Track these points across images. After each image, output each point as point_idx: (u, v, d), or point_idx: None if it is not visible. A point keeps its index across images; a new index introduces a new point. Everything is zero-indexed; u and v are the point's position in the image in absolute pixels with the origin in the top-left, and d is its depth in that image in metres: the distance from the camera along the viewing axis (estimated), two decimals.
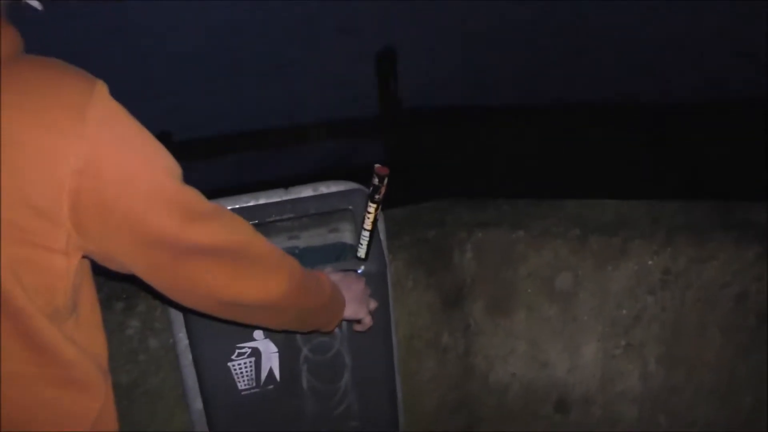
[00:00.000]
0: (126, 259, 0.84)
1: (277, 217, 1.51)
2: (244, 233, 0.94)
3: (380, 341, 1.56)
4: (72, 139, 0.73)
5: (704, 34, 10.45)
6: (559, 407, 1.97)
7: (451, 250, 1.90)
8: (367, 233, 1.38)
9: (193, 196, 0.86)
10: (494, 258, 1.89)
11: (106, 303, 1.68)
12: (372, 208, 1.35)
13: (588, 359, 1.90)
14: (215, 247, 0.87)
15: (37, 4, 0.93)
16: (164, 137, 5.59)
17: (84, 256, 0.83)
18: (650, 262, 1.77)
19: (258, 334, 1.35)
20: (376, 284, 1.44)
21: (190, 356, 1.41)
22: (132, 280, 0.91)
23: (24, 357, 0.80)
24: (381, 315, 1.55)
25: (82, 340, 0.86)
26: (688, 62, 9.39)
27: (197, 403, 1.47)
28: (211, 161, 6.12)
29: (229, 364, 1.35)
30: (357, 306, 1.24)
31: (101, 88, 0.78)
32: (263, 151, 6.69)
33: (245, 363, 1.35)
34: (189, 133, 6.74)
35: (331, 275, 1.23)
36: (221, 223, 0.89)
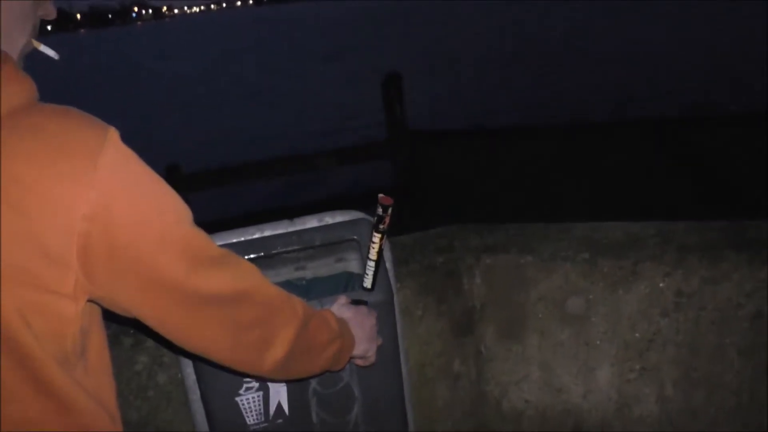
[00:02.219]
0: (132, 304, 0.85)
1: (283, 249, 1.50)
2: (252, 280, 0.94)
3: (389, 372, 1.53)
4: (83, 187, 0.75)
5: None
6: None
7: (461, 276, 1.88)
8: (372, 263, 1.37)
9: (202, 240, 0.87)
10: (504, 283, 1.88)
11: (114, 339, 1.68)
12: (377, 238, 1.34)
13: (603, 383, 1.86)
14: (222, 295, 0.88)
15: (53, 54, 0.96)
16: (172, 170, 5.63)
17: (90, 300, 0.82)
18: (662, 284, 1.74)
19: None
20: (384, 314, 1.42)
21: (198, 391, 1.39)
22: (137, 322, 0.91)
23: (36, 403, 0.80)
24: (389, 345, 1.53)
25: (91, 385, 0.86)
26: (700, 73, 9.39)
27: None
28: (218, 192, 6.14)
29: (237, 399, 1.33)
30: (367, 344, 1.24)
31: (113, 135, 0.79)
32: (269, 181, 6.71)
33: (253, 397, 1.33)
34: (192, 162, 6.80)
35: (344, 311, 1.22)
36: (229, 270, 0.90)
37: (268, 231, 1.48)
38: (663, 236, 1.87)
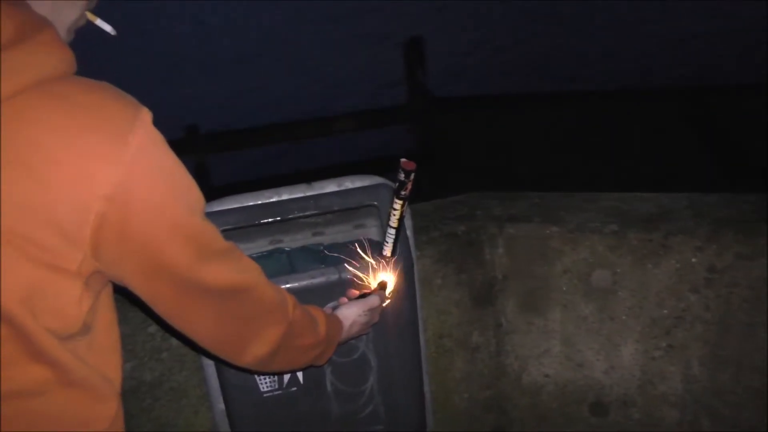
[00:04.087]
0: (131, 280, 0.85)
1: (300, 214, 1.45)
2: (251, 277, 0.95)
3: (407, 341, 1.49)
4: (110, 165, 0.74)
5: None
6: (596, 410, 1.89)
7: (482, 246, 1.82)
8: (393, 231, 1.32)
9: (210, 233, 0.88)
10: (527, 254, 1.81)
11: (129, 301, 1.66)
12: (398, 204, 1.28)
13: (627, 360, 1.81)
14: (220, 288, 0.89)
15: (110, 29, 0.92)
16: (191, 129, 5.59)
17: (94, 273, 0.80)
18: (693, 260, 1.67)
19: None
20: (403, 283, 1.37)
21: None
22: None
23: (33, 371, 0.80)
24: (408, 314, 1.49)
25: (95, 361, 0.86)
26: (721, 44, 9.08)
27: (220, 404, 1.43)
28: (236, 154, 6.10)
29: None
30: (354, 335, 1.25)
31: (145, 116, 0.78)
32: (288, 144, 6.65)
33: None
34: (214, 125, 6.75)
35: (345, 311, 1.22)
36: (232, 265, 0.91)
37: (285, 195, 1.43)
38: (695, 209, 1.79)
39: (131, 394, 1.63)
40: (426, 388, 1.64)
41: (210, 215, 1.31)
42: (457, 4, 12.73)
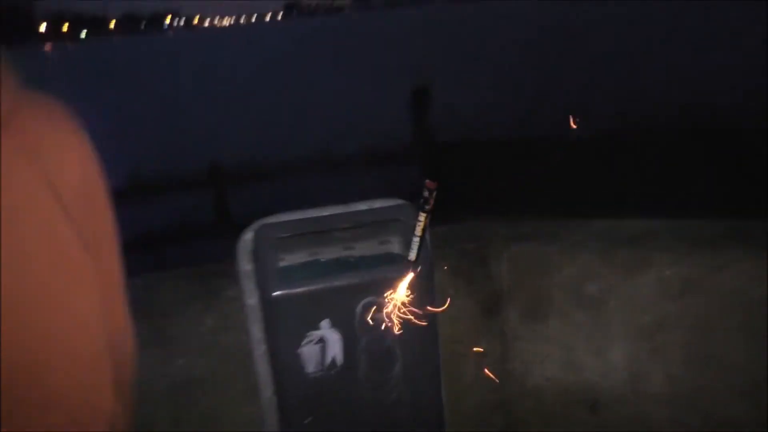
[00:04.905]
0: None
1: (335, 226, 1.73)
2: None
3: (427, 339, 1.75)
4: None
5: None
6: (593, 409, 2.11)
7: (489, 262, 2.09)
8: (417, 238, 1.59)
9: None
10: (529, 268, 2.08)
11: (185, 302, 1.92)
12: (422, 217, 1.55)
13: (618, 363, 2.04)
14: None
15: None
16: (215, 167, 5.93)
17: None
18: (668, 272, 1.93)
19: (324, 323, 1.56)
20: (425, 285, 1.64)
21: (263, 347, 1.62)
22: None
23: None
24: (428, 315, 1.75)
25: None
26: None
27: (267, 392, 1.68)
28: (255, 188, 6.46)
29: (300, 350, 1.55)
30: None
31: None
32: (301, 182, 7.01)
33: (314, 349, 1.56)
34: (231, 162, 7.10)
35: None
36: None
37: (325, 211, 1.71)
38: (674, 232, 2.06)
39: (181, 388, 1.87)
40: (442, 387, 1.88)
41: (269, 226, 1.60)
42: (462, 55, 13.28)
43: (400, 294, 1.55)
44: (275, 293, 1.56)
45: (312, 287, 1.60)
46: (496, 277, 2.09)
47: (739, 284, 1.88)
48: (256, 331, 1.64)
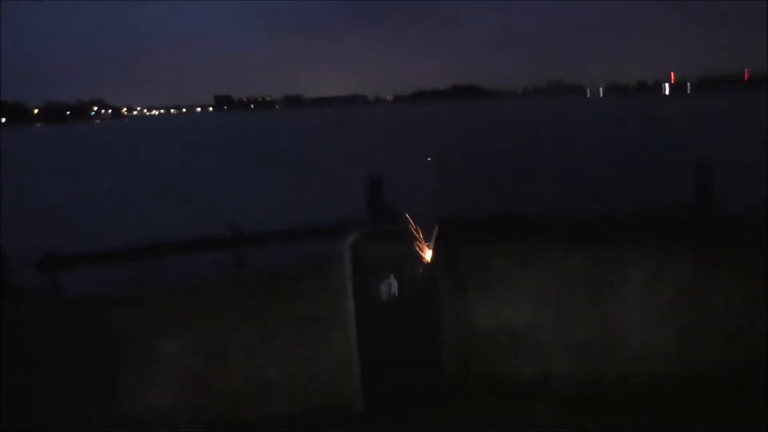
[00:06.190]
0: None
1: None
2: None
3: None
4: None
5: None
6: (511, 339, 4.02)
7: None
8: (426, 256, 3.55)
9: None
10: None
11: (276, 293, 3.76)
12: (427, 246, 3.52)
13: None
14: None
15: None
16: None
17: None
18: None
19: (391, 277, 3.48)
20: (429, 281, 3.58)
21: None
22: None
23: None
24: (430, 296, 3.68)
25: None
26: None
27: (352, 325, 3.53)
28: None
29: (380, 287, 3.47)
30: None
31: None
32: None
33: (386, 285, 3.46)
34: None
35: None
36: None
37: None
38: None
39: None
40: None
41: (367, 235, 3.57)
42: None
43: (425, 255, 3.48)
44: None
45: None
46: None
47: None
48: (349, 285, 3.53)
